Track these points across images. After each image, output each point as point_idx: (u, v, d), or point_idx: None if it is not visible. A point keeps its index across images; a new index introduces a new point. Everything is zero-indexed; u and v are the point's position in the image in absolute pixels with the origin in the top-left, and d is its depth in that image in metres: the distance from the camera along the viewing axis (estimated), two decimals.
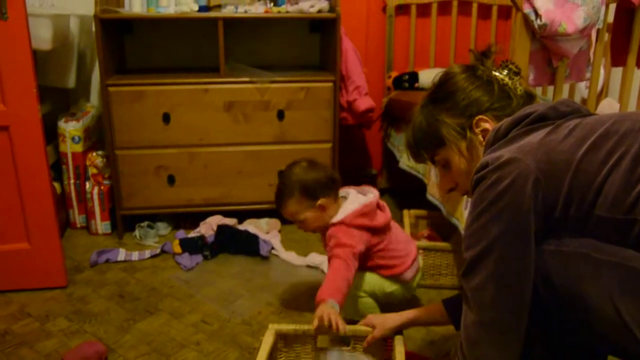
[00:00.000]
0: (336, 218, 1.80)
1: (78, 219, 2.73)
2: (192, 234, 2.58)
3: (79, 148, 2.62)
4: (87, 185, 2.67)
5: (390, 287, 1.86)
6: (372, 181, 3.03)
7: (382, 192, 3.10)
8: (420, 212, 2.45)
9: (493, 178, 1.05)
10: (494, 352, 1.06)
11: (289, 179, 1.83)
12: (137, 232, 2.63)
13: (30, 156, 2.02)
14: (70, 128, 2.59)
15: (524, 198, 1.02)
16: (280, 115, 2.55)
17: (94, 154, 2.67)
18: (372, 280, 1.85)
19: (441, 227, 2.35)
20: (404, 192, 3.08)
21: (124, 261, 2.42)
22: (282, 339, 1.60)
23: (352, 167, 3.06)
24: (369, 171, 3.07)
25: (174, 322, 1.97)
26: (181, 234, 2.60)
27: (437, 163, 1.32)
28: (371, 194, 1.88)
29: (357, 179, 2.98)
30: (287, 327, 1.58)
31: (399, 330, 1.57)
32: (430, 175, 2.23)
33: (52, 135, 2.57)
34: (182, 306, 2.07)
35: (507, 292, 1.03)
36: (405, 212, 2.44)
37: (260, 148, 2.59)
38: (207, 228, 2.59)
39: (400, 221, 2.50)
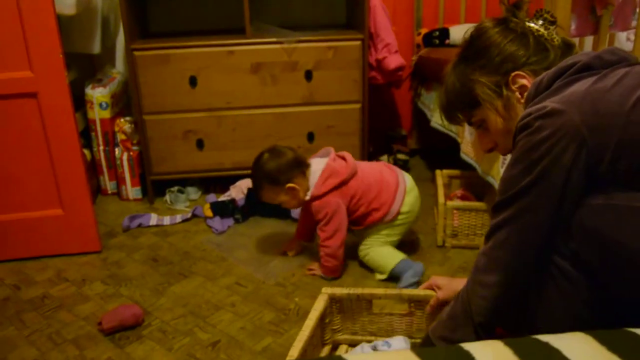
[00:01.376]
0: (310, 193, 1.94)
1: (109, 185, 2.75)
2: (223, 197, 2.58)
3: (106, 114, 2.63)
4: (117, 151, 2.69)
5: (391, 232, 2.00)
6: (402, 142, 3.01)
7: (413, 153, 3.14)
8: (453, 171, 2.43)
9: (533, 127, 1.02)
10: (493, 283, 1.11)
11: (256, 172, 1.96)
12: (167, 197, 2.65)
13: (59, 123, 2.03)
14: (98, 94, 2.60)
15: (561, 154, 0.99)
16: (308, 75, 2.52)
17: (122, 119, 2.68)
18: (376, 240, 2.00)
19: (475, 187, 2.34)
20: (435, 152, 3.06)
21: (156, 226, 2.45)
22: (336, 302, 1.56)
23: (381, 128, 3.05)
24: (399, 132, 3.05)
25: (208, 284, 1.98)
26: (212, 197, 2.61)
27: (473, 124, 1.28)
28: (328, 156, 2.01)
29: (387, 140, 3.05)
30: (341, 291, 1.55)
31: None
32: (464, 134, 2.21)
33: (79, 102, 2.57)
34: (215, 269, 2.08)
35: (519, 240, 1.07)
36: (438, 172, 2.41)
37: (289, 110, 2.57)
38: (238, 191, 2.59)
39: (433, 181, 2.51)
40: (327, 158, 2.00)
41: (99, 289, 1.98)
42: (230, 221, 2.42)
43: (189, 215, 2.50)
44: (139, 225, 2.44)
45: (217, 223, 2.40)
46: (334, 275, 1.99)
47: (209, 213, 2.45)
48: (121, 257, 2.20)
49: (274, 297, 1.89)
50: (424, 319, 1.53)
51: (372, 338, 1.58)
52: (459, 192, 2.35)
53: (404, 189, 2.01)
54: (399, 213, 1.99)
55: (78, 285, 2.00)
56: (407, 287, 1.88)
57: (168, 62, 2.45)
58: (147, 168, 2.60)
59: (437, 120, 2.55)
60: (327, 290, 1.55)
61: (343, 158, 2.02)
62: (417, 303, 1.53)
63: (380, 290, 1.54)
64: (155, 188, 2.67)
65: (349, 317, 1.58)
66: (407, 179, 2.06)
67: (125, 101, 2.85)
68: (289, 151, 1.98)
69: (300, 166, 1.96)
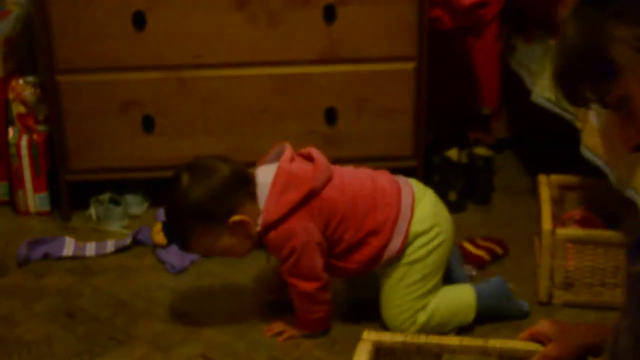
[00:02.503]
0: (260, 220, 1.98)
1: None
2: None
3: None
4: (10, 133, 2.67)
5: (421, 270, 2.04)
6: (483, 127, 3.02)
7: (501, 146, 3.12)
8: (567, 178, 2.44)
9: None
10: None
11: (175, 209, 1.99)
12: (92, 210, 2.65)
13: None
14: None
15: None
16: (329, 13, 2.51)
17: (21, 81, 2.67)
18: (404, 298, 2.04)
19: (604, 204, 2.34)
20: (538, 144, 3.07)
21: (74, 257, 2.44)
22: (386, 355, 1.64)
23: (451, 103, 3.04)
24: (478, 110, 3.05)
25: (157, 357, 1.98)
26: None
27: (609, 105, 1.30)
28: (283, 155, 2.03)
29: (458, 124, 3.03)
30: (392, 337, 1.63)
31: (587, 350, 1.56)
32: (589, 117, 2.20)
33: None
34: (169, 332, 2.08)
35: None
36: (543, 178, 2.41)
37: (297, 70, 2.58)
38: None
39: (533, 194, 2.52)
40: (279, 162, 2.03)
41: None
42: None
43: (128, 241, 2.51)
44: (45, 256, 2.44)
45: (174, 255, 2.38)
46: (322, 328, 2.07)
47: (160, 238, 2.42)
48: (14, 308, 2.19)
49: None
50: None
51: None
52: (577, 212, 2.34)
53: (411, 196, 2.06)
54: (409, 236, 2.03)
55: None
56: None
57: None
58: (61, 162, 2.60)
59: (542, 92, 2.53)
60: (369, 335, 1.62)
61: (308, 157, 2.07)
62: None
63: (452, 340, 1.61)
64: (73, 195, 2.67)
65: None
66: (414, 184, 2.13)
67: (27, 51, 2.84)
68: (221, 163, 2.02)
69: (246, 184, 2.00)
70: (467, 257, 2.39)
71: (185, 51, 2.52)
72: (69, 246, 2.46)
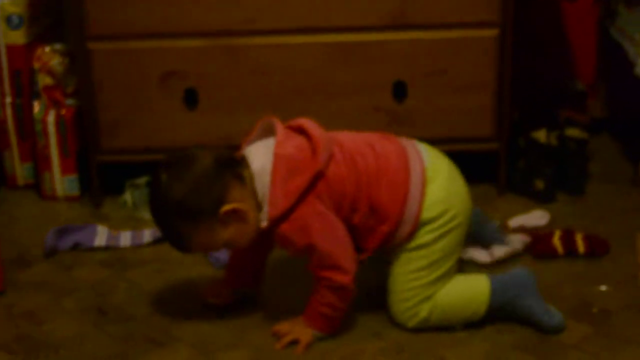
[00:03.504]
0: (266, 214, 1.98)
1: (20, 170, 2.79)
2: None
3: (19, 38, 2.68)
4: (36, 107, 2.70)
5: (428, 255, 2.05)
6: (577, 105, 3.04)
7: (597, 127, 3.10)
8: None
9: None
10: None
11: (161, 213, 2.00)
12: (127, 196, 2.68)
13: None
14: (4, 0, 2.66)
15: None
16: None
17: (47, 49, 2.70)
18: (410, 284, 2.07)
19: None
20: (639, 126, 3.08)
21: (106, 248, 2.46)
22: None
23: (539, 77, 3.07)
24: (573, 85, 3.09)
25: None
26: None
27: None
28: (271, 134, 2.06)
29: (548, 101, 3.06)
30: None
31: None
32: None
33: None
34: (214, 334, 2.09)
35: None
36: None
37: (360, 38, 2.58)
38: None
39: (632, 182, 2.65)
40: (271, 140, 2.04)
41: None
42: None
43: None
44: (75, 246, 2.45)
45: None
46: (334, 329, 2.08)
47: None
48: (40, 304, 2.21)
49: None
50: None
51: None
52: None
53: (422, 172, 2.05)
54: (419, 223, 2.05)
55: None
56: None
57: None
58: (93, 141, 2.62)
59: None
60: None
61: (299, 130, 2.06)
62: None
63: None
64: (105, 178, 2.70)
65: None
66: (424, 152, 2.11)
67: (55, 15, 2.86)
68: (200, 151, 2.03)
69: (231, 168, 2.00)
70: (540, 241, 2.39)
71: (234, 15, 2.52)
72: (101, 235, 2.47)
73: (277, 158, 1.97)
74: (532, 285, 2.06)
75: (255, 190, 1.99)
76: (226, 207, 1.94)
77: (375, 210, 2.02)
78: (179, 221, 1.96)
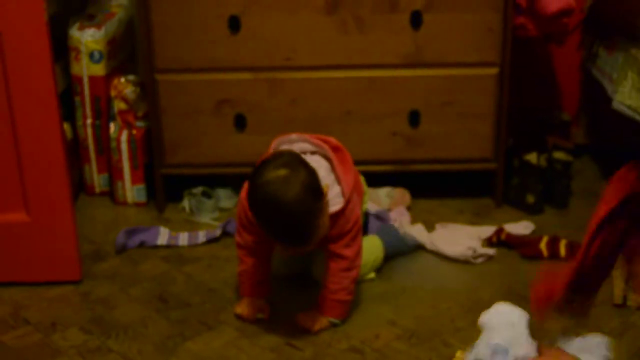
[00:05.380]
0: (341, 199, 2.09)
1: (97, 179, 2.92)
2: None
3: (100, 70, 2.77)
4: (112, 128, 2.82)
5: None
6: (562, 132, 3.03)
7: (579, 151, 3.12)
8: None
9: None
10: None
11: (293, 200, 1.93)
12: (186, 203, 2.79)
13: (30, 78, 2.12)
14: (88, 38, 2.72)
15: None
16: (416, 20, 2.60)
17: (123, 79, 2.81)
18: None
19: None
20: (615, 150, 2.87)
21: (167, 246, 2.58)
22: None
23: (531, 108, 3.12)
24: (559, 116, 3.10)
25: (243, 342, 2.09)
26: None
27: None
28: (296, 142, 2.18)
29: (538, 129, 3.06)
30: None
31: None
32: None
33: (59, 49, 2.64)
34: (256, 320, 2.19)
35: None
36: None
37: (383, 74, 2.68)
38: None
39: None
40: (306, 144, 2.15)
41: (77, 339, 2.10)
42: None
43: (218, 232, 2.63)
44: (141, 245, 2.58)
45: None
46: (347, 314, 2.19)
47: None
48: (112, 292, 2.33)
49: None
50: None
51: None
52: None
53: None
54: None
55: (45, 332, 2.13)
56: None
57: None
58: (158, 156, 2.74)
59: (622, 98, 2.58)
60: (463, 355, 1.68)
61: (324, 141, 2.21)
62: None
63: None
64: (168, 188, 2.82)
65: None
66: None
67: (129, 51, 2.98)
68: (279, 152, 2.10)
69: (304, 162, 2.07)
70: (527, 244, 2.54)
71: (277, 53, 2.63)
72: (163, 235, 2.61)
73: (332, 151, 2.12)
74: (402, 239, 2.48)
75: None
76: (324, 186, 2.02)
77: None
78: (310, 201, 1.95)
